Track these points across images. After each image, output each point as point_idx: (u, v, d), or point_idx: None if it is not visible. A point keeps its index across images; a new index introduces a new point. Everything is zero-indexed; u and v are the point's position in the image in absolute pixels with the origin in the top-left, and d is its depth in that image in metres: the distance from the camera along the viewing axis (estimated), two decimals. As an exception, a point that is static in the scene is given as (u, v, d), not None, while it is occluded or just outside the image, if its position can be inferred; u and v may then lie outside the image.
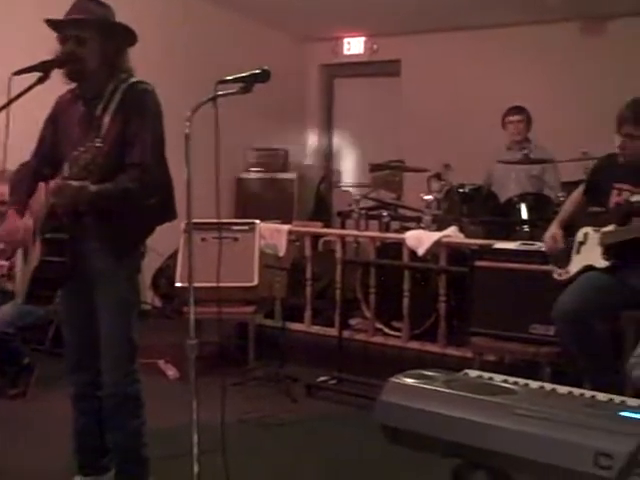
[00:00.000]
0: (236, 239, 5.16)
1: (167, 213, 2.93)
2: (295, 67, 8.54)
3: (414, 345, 5.12)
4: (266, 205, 7.42)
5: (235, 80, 2.45)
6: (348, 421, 4.12)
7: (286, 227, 5.61)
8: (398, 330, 5.23)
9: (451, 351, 4.92)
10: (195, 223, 4.61)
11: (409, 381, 1.99)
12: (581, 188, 3.96)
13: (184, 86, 5.33)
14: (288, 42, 8.41)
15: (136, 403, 2.92)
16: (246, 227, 5.23)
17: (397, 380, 2.00)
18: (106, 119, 2.77)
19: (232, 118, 6.57)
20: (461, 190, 5.43)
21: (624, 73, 6.52)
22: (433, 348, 5.02)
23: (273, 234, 5.54)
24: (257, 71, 2.47)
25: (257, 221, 5.27)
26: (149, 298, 6.67)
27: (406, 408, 1.92)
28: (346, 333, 5.33)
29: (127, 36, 2.88)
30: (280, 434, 4.05)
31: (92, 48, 2.79)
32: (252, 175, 7.79)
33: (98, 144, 2.56)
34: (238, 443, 3.58)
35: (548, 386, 2.04)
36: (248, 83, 2.45)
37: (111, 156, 2.71)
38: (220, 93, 2.41)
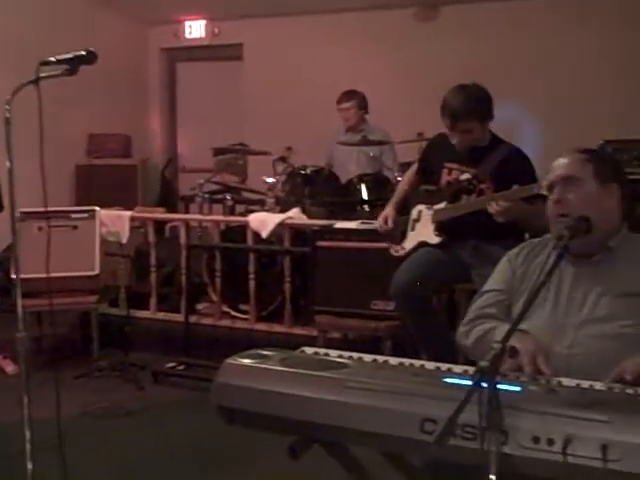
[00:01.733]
0: (75, 227, 5.00)
1: None
2: (136, 51, 8.36)
3: (261, 327, 5.16)
4: (109, 192, 7.17)
5: (59, 62, 2.37)
6: (195, 406, 4.07)
7: (127, 213, 5.48)
8: (245, 313, 5.25)
9: (298, 330, 4.99)
10: (30, 212, 4.52)
11: (245, 361, 1.99)
12: (414, 167, 4.09)
13: (11, 70, 5.07)
14: (128, 25, 8.18)
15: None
16: (86, 215, 5.07)
17: (233, 361, 1.99)
18: None
19: (71, 103, 6.36)
20: (303, 172, 5.50)
21: (455, 57, 6.81)
22: (280, 328, 5.08)
23: (115, 221, 5.41)
24: (82, 52, 2.39)
25: (97, 208, 5.11)
26: (-15, 292, 6.34)
27: (241, 388, 1.92)
28: (193, 318, 5.31)
29: None
30: (125, 424, 3.98)
31: None
32: (93, 162, 7.54)
33: None
34: (81, 436, 3.50)
35: (381, 359, 2.08)
36: (73, 65, 2.37)
37: None
38: (43, 75, 2.32)
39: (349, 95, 5.96)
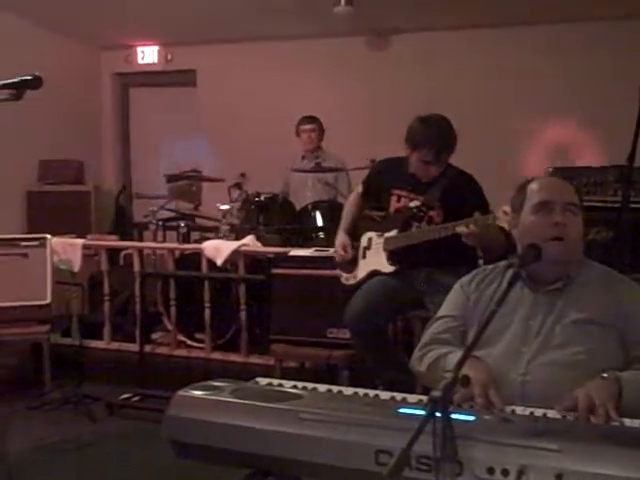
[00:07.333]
0: (26, 255, 4.91)
1: None
2: (88, 76, 8.29)
3: (217, 356, 5.11)
4: (61, 219, 7.05)
5: (3, 86, 2.31)
6: (150, 439, 3.99)
7: (80, 241, 5.40)
8: (201, 341, 5.19)
9: (254, 359, 4.95)
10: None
11: (196, 393, 1.96)
12: (359, 190, 4.02)
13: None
14: (79, 50, 8.11)
15: None
16: (36, 242, 4.97)
17: (184, 393, 1.96)
18: None
19: (22, 129, 6.23)
20: (257, 199, 5.48)
21: (407, 85, 6.89)
22: (236, 358, 5.03)
23: (67, 249, 5.32)
24: (27, 77, 2.33)
25: (48, 236, 5.02)
26: None
27: (193, 421, 1.89)
28: (148, 347, 5.23)
29: None
30: (79, 457, 3.88)
31: None
32: (45, 188, 7.42)
33: None
34: (32, 472, 3.42)
35: (335, 389, 2.07)
36: (18, 90, 2.32)
37: None
38: (-13, 100, 2.27)
39: (311, 118, 6.02)
